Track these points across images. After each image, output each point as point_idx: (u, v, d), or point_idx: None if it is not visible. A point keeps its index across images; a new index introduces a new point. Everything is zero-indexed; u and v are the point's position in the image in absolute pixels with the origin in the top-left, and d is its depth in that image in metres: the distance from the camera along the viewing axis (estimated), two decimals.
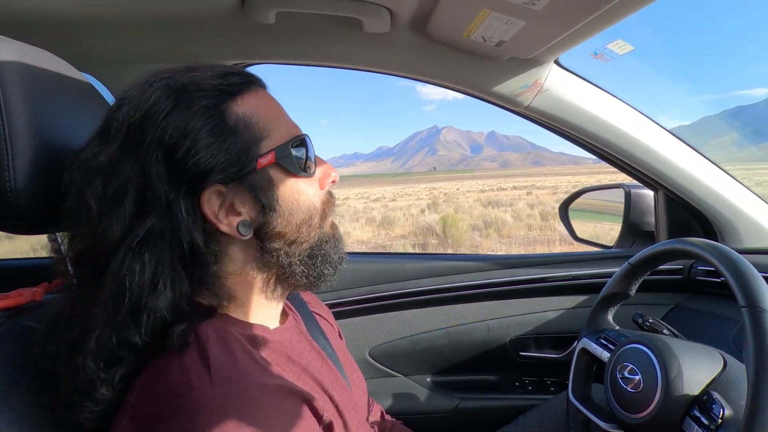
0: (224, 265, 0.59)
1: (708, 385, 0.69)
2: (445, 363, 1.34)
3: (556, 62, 1.06)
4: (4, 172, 0.52)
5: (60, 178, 0.55)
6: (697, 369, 0.71)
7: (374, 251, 7.98)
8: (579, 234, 1.64)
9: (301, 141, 0.62)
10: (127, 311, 0.51)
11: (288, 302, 0.75)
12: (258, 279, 0.62)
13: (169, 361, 0.51)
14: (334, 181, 0.66)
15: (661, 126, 1.13)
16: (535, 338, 1.34)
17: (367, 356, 1.32)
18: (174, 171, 0.53)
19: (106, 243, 0.52)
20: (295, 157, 0.60)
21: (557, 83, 1.07)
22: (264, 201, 0.58)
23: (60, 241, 0.66)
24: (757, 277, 0.64)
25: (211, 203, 0.55)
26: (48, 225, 0.60)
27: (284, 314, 0.71)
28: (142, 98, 0.55)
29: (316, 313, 0.83)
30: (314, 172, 0.63)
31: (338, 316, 1.27)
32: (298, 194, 0.61)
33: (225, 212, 0.57)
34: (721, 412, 0.64)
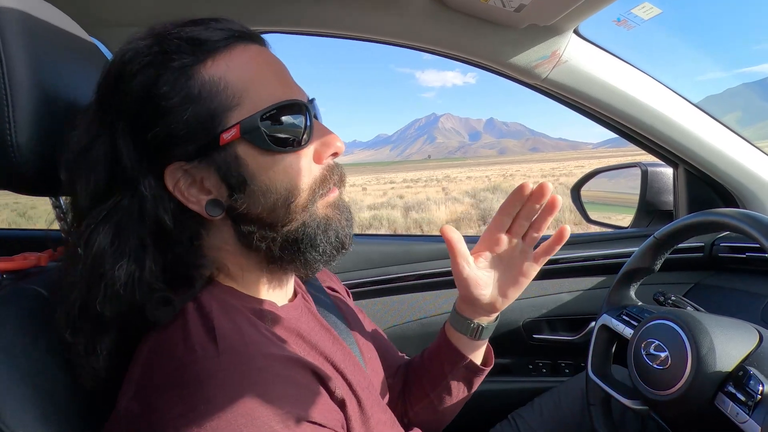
0: (209, 241, 0.56)
1: (743, 360, 0.66)
2: None
3: (576, 32, 1.01)
4: (4, 125, 0.49)
5: (63, 137, 0.52)
6: (730, 344, 0.68)
7: (383, 233, 7.92)
8: (592, 216, 1.61)
9: (286, 108, 0.53)
10: (86, 280, 0.49)
11: (298, 279, 0.71)
12: (247, 258, 0.57)
13: (172, 333, 0.49)
14: (336, 153, 0.57)
15: (684, 97, 1.09)
16: (548, 320, 1.32)
17: None
18: (138, 144, 0.50)
19: (77, 213, 0.51)
20: (275, 128, 0.52)
21: (576, 54, 1.03)
22: (230, 181, 0.52)
23: (63, 206, 0.64)
24: None
25: (174, 179, 0.52)
26: (50, 187, 0.58)
27: (294, 292, 0.67)
28: (116, 59, 0.51)
29: (329, 288, 0.80)
30: (305, 144, 0.54)
31: None
32: (274, 173, 0.52)
33: (196, 189, 0.53)
34: (760, 388, 0.61)
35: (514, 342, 1.30)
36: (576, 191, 1.63)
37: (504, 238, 0.69)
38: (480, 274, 0.69)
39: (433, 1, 0.93)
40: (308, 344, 0.57)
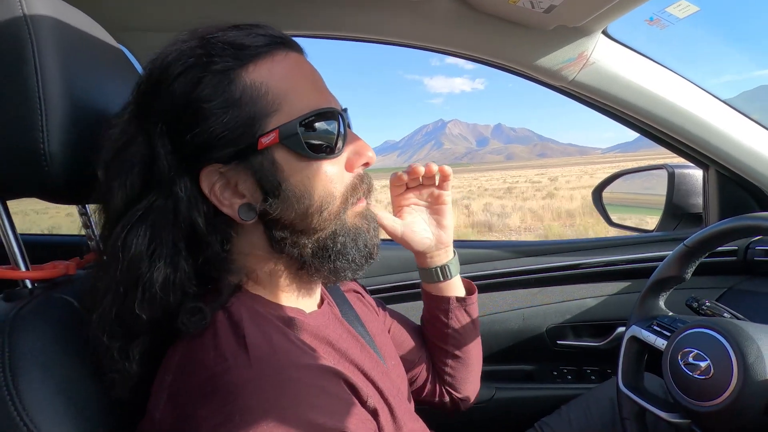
0: (239, 246, 0.56)
1: None
2: None
3: (605, 32, 0.99)
4: (37, 133, 0.49)
5: (93, 146, 0.52)
6: None
7: None
8: (615, 219, 1.58)
9: (323, 116, 0.53)
10: (122, 284, 0.49)
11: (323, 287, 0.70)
12: (277, 264, 0.57)
13: (203, 340, 0.49)
14: (368, 163, 0.58)
15: (716, 96, 1.06)
16: (572, 326, 1.29)
17: None
18: (176, 145, 0.50)
19: (111, 215, 0.51)
20: (311, 134, 0.52)
21: (604, 55, 1.01)
22: (266, 186, 0.52)
23: (90, 214, 0.64)
24: None
25: (210, 182, 0.52)
26: (79, 196, 0.58)
27: (320, 299, 0.67)
28: (158, 61, 0.52)
29: (354, 291, 0.80)
30: (339, 152, 0.55)
31: None
32: (308, 179, 0.53)
33: (230, 193, 0.52)
34: None
35: (537, 348, 1.28)
36: (598, 193, 1.61)
37: (410, 195, 0.78)
38: (410, 226, 0.76)
39: (460, 4, 0.91)
40: (338, 352, 0.57)
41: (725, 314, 0.88)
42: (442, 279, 0.80)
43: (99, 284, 0.51)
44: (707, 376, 0.69)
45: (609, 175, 1.58)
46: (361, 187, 0.58)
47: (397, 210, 0.78)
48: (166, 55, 0.51)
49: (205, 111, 0.49)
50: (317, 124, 0.52)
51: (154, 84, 0.51)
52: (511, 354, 1.28)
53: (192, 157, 0.50)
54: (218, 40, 0.51)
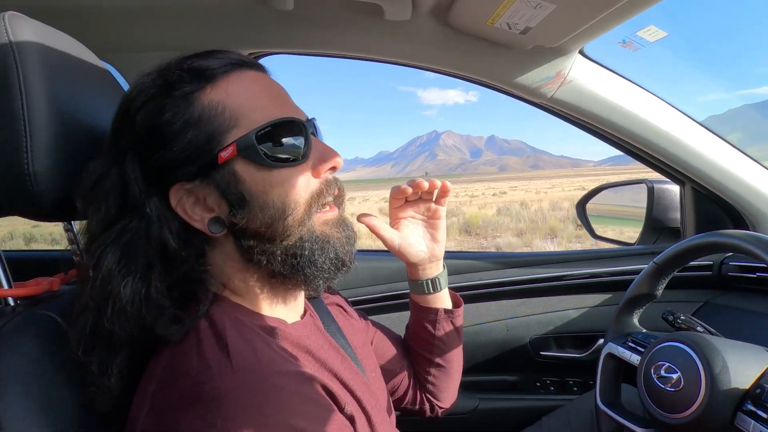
0: (213, 259, 0.58)
1: (759, 378, 0.66)
2: (463, 363, 1.31)
3: (581, 52, 1.02)
4: (22, 154, 0.51)
5: (78, 164, 0.54)
6: (743, 363, 0.68)
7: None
8: (598, 232, 1.60)
9: (282, 126, 0.55)
10: (95, 300, 0.51)
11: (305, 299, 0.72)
12: (250, 273, 0.59)
13: (186, 349, 0.50)
14: (334, 168, 0.59)
15: (690, 117, 1.10)
16: (555, 337, 1.31)
17: None
18: (145, 169, 0.53)
19: (89, 237, 0.53)
20: (271, 145, 0.54)
21: (581, 74, 1.04)
22: (230, 197, 0.54)
23: (75, 230, 0.65)
24: None
25: (178, 199, 0.54)
26: (66, 213, 0.59)
27: (303, 310, 0.68)
28: (126, 95, 0.56)
29: (336, 305, 0.81)
30: (302, 159, 0.56)
31: None
32: (270, 187, 0.54)
33: (200, 208, 0.55)
34: None
35: (521, 359, 1.29)
36: (582, 206, 1.63)
37: (408, 208, 0.79)
38: (406, 238, 0.78)
39: (442, 25, 0.94)
40: (318, 361, 0.58)
41: (698, 328, 0.90)
42: (432, 291, 0.83)
43: (79, 300, 0.53)
44: (678, 388, 0.71)
45: (591, 189, 1.61)
46: (328, 191, 0.59)
47: (394, 222, 0.80)
48: (132, 90, 0.55)
49: (167, 134, 0.52)
50: (276, 134, 0.54)
51: (123, 117, 0.54)
52: (495, 364, 1.30)
53: (159, 178, 0.53)
54: (177, 69, 0.54)
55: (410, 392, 0.87)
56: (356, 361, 0.71)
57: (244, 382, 0.46)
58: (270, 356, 0.51)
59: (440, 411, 0.89)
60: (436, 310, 0.84)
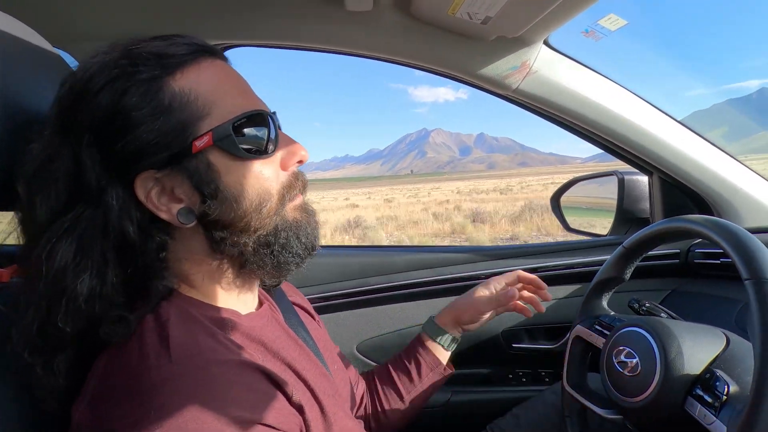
0: (175, 251, 0.56)
1: (710, 363, 0.67)
2: None
3: (546, 43, 1.03)
4: None
5: (21, 150, 0.52)
6: (697, 348, 0.69)
7: (362, 244, 8.06)
8: (571, 224, 1.62)
9: (253, 118, 0.55)
10: (45, 298, 0.49)
11: (264, 292, 0.72)
12: (215, 266, 0.58)
13: (129, 344, 0.49)
14: (301, 161, 0.60)
15: (655, 106, 1.11)
16: (527, 329, 1.31)
17: (355, 351, 1.29)
18: (105, 155, 0.50)
19: (35, 228, 0.51)
20: (244, 136, 0.54)
21: (547, 64, 1.04)
22: (203, 188, 0.53)
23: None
24: (761, 248, 0.62)
25: (146, 189, 0.52)
26: (10, 201, 0.56)
27: (259, 302, 0.68)
28: (79, 74, 0.52)
29: (295, 304, 0.81)
30: (272, 152, 0.57)
31: (326, 310, 1.24)
32: (245, 179, 0.54)
33: (167, 198, 0.53)
34: (726, 389, 0.62)
35: (493, 351, 1.30)
36: (555, 200, 1.65)
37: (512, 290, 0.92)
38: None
39: (403, 15, 0.93)
40: (270, 351, 0.58)
41: (662, 314, 0.91)
42: (447, 347, 0.93)
43: (24, 297, 0.50)
44: (635, 373, 0.72)
45: (565, 182, 1.63)
46: (296, 184, 0.60)
47: (502, 285, 0.94)
48: (88, 68, 0.52)
49: (134, 119, 0.50)
50: (248, 126, 0.55)
51: (77, 97, 0.51)
52: (467, 357, 1.30)
53: (124, 166, 0.51)
54: (142, 51, 0.52)
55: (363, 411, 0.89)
56: (318, 353, 0.71)
57: (182, 371, 0.45)
58: (212, 347, 0.50)
59: None
60: (440, 363, 0.92)
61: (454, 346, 0.93)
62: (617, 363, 0.76)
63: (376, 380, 0.91)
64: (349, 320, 1.28)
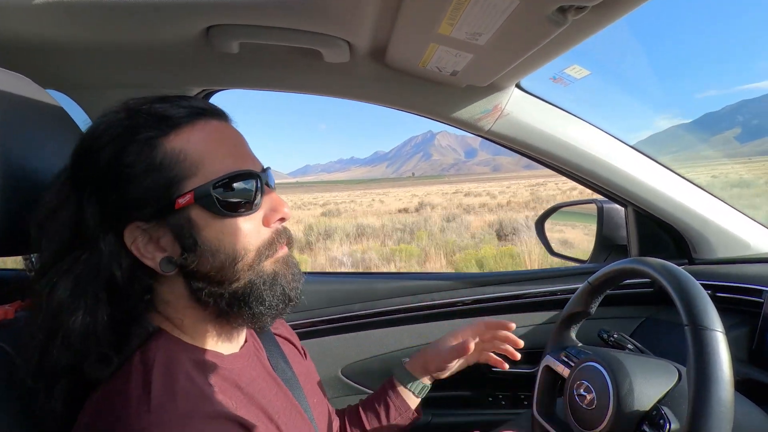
0: (161, 295, 0.61)
1: (659, 400, 0.71)
2: None
3: (518, 86, 1.08)
4: None
5: (29, 201, 0.58)
6: (648, 385, 0.73)
7: (347, 271, 8.07)
8: (555, 248, 1.66)
9: (237, 177, 0.59)
10: (44, 331, 0.54)
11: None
12: (197, 311, 0.62)
13: (117, 385, 0.54)
14: (283, 219, 0.63)
15: (625, 143, 1.16)
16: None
17: (339, 374, 1.33)
18: (102, 205, 0.56)
19: (40, 267, 0.57)
20: (226, 194, 0.57)
21: (518, 107, 1.09)
22: (183, 241, 0.57)
23: (33, 260, 0.69)
24: (702, 296, 0.67)
25: (134, 238, 0.57)
26: (18, 247, 0.62)
27: (245, 339, 0.72)
28: (90, 131, 0.59)
29: (278, 335, 0.84)
30: (255, 209, 0.60)
31: (311, 335, 1.28)
32: (223, 235, 0.58)
33: (153, 247, 0.58)
34: (668, 426, 0.66)
35: (473, 374, 1.33)
36: (540, 224, 1.69)
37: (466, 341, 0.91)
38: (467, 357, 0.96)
39: (379, 65, 0.99)
40: (246, 396, 0.62)
41: (629, 346, 0.95)
42: (418, 394, 0.96)
43: (29, 328, 0.56)
44: (592, 407, 0.76)
45: (548, 208, 1.68)
46: (278, 241, 0.63)
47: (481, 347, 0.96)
48: (98, 125, 0.58)
49: (128, 175, 0.56)
50: (234, 185, 0.58)
51: (85, 151, 0.58)
52: (447, 381, 1.34)
53: (116, 216, 0.57)
54: (144, 112, 0.58)
55: None
56: (298, 388, 0.75)
57: (158, 421, 0.50)
58: (190, 394, 0.55)
59: None
60: (409, 408, 0.95)
61: (425, 393, 0.96)
62: (577, 396, 0.80)
63: (346, 420, 0.94)
64: (334, 345, 1.33)
